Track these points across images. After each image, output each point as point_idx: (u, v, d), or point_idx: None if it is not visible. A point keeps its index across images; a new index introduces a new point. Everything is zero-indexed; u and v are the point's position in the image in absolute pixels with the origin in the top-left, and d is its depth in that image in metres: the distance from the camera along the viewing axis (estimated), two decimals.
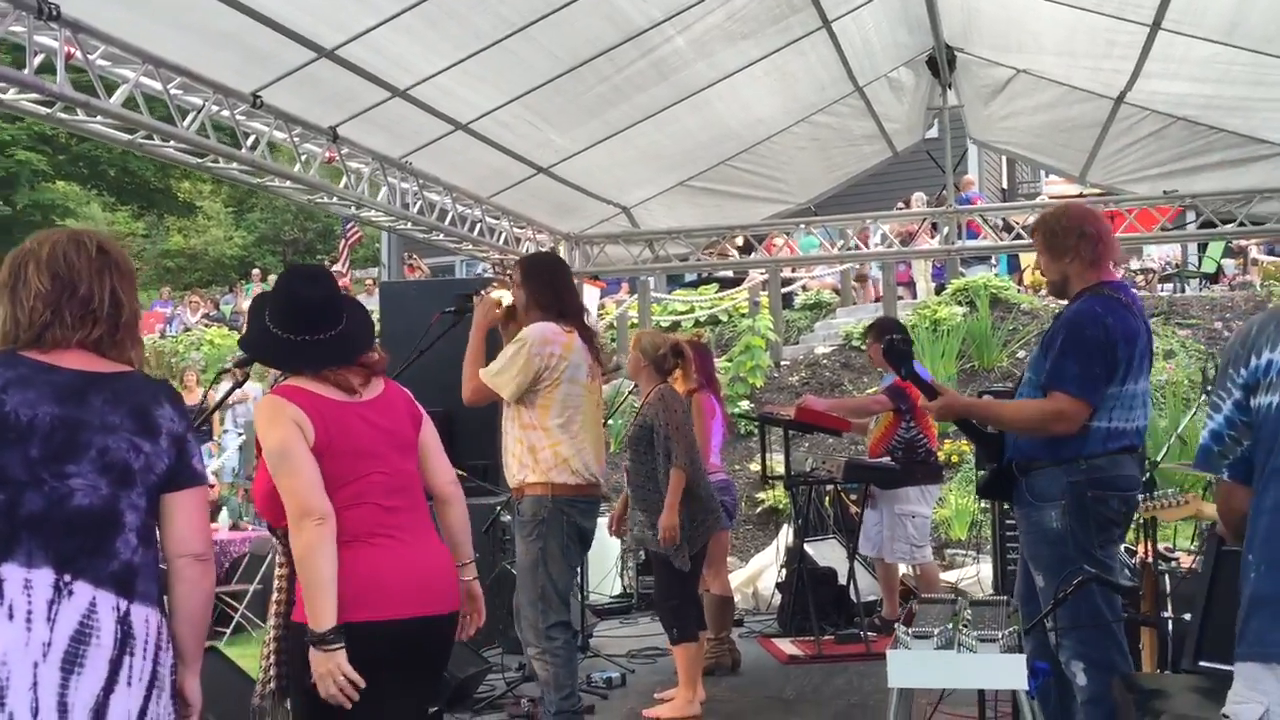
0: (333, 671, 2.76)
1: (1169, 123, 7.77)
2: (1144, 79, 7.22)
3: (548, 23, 5.70)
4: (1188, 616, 4.31)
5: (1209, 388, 5.97)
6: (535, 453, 4.62)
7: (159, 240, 34.67)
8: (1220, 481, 2.42)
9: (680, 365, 6.25)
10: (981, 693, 3.24)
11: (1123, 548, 7.61)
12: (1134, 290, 13.59)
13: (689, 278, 17.00)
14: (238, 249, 33.48)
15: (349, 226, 21.38)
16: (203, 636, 2.63)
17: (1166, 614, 5.32)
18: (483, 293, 5.13)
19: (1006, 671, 2.92)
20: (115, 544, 2.38)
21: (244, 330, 3.18)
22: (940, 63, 7.96)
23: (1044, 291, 13.77)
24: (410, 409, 3.19)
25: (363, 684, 2.79)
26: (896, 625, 3.15)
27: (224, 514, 10.09)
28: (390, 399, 3.14)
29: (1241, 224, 8.04)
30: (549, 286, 4.81)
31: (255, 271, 23.90)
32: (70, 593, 2.31)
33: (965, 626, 3.21)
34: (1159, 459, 5.52)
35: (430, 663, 3.08)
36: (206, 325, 19.94)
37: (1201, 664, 3.99)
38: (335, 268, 22.23)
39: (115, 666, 2.33)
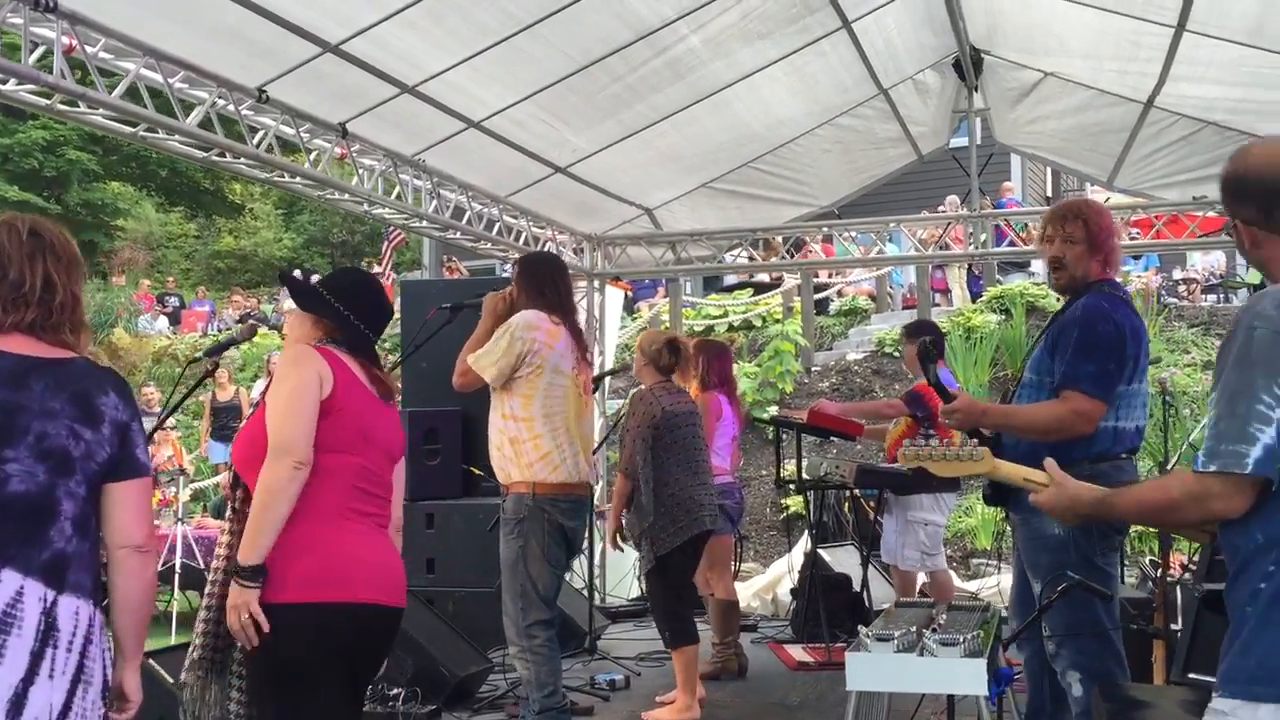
0: (243, 606, 2.80)
1: (1199, 127, 7.64)
2: (1172, 82, 7.10)
3: (556, 20, 5.70)
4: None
5: None
6: (517, 445, 4.59)
7: (210, 241, 35.15)
8: (1232, 478, 2.03)
9: (678, 363, 6.15)
10: (950, 698, 3.16)
11: (1147, 559, 7.51)
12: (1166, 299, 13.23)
13: (730, 280, 16.86)
14: (287, 250, 33.81)
15: (391, 230, 21.51)
16: (144, 628, 2.60)
17: (1176, 626, 5.22)
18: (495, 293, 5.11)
19: (965, 676, 2.84)
20: (49, 532, 2.35)
21: (300, 297, 3.19)
22: (965, 65, 7.86)
23: None
24: (403, 443, 3.24)
25: (266, 628, 2.81)
26: (860, 628, 3.08)
27: None
28: (395, 408, 3.21)
29: None
30: (545, 284, 4.81)
31: (297, 272, 24.02)
32: None
33: (934, 630, 3.14)
34: (1170, 466, 5.39)
35: (378, 652, 3.10)
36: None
37: (1190, 676, 3.91)
38: (376, 269, 22.39)
39: (36, 659, 2.29)
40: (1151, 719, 3.04)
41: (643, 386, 5.90)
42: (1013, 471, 2.71)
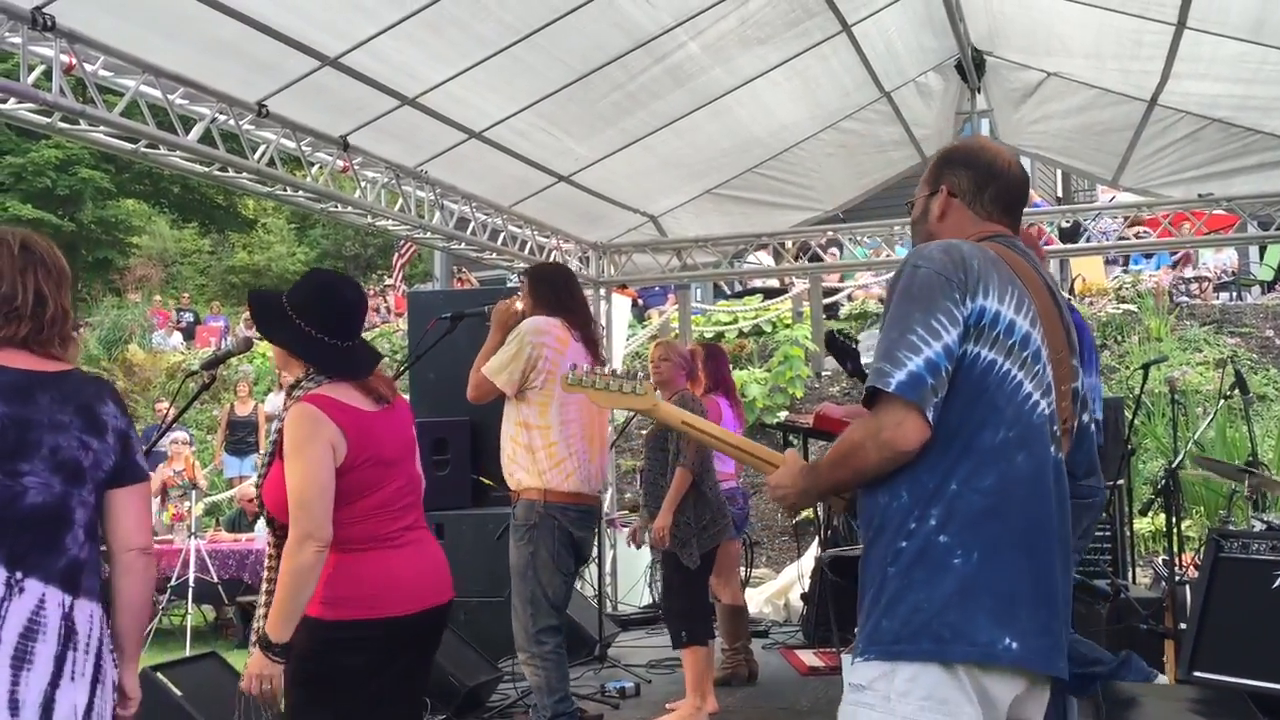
0: (268, 677, 2.83)
1: (1204, 124, 7.60)
2: (1175, 80, 7.07)
3: (554, 30, 5.71)
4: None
5: (1229, 393, 5.79)
6: (533, 453, 4.63)
7: (224, 257, 35.32)
8: (897, 404, 2.00)
9: (700, 372, 6.45)
10: None
11: (1160, 559, 7.47)
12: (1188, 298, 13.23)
13: (750, 284, 16.83)
14: (300, 264, 33.91)
15: (402, 242, 21.55)
16: (144, 629, 2.70)
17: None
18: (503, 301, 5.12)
19: None
20: (65, 540, 2.44)
21: (262, 326, 3.11)
22: (967, 67, 7.83)
23: (1090, 299, 13.52)
24: (409, 412, 3.29)
25: (281, 709, 2.85)
26: (857, 630, 3.06)
27: (260, 524, 10.19)
28: (400, 403, 3.22)
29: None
30: (555, 295, 4.84)
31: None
32: (21, 590, 2.37)
33: None
34: (1174, 464, 5.37)
35: (430, 648, 3.20)
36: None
37: (1195, 674, 3.88)
38: (388, 282, 22.45)
39: (60, 662, 2.39)
40: (1138, 719, 3.02)
41: (683, 390, 5.95)
42: (671, 414, 2.58)
